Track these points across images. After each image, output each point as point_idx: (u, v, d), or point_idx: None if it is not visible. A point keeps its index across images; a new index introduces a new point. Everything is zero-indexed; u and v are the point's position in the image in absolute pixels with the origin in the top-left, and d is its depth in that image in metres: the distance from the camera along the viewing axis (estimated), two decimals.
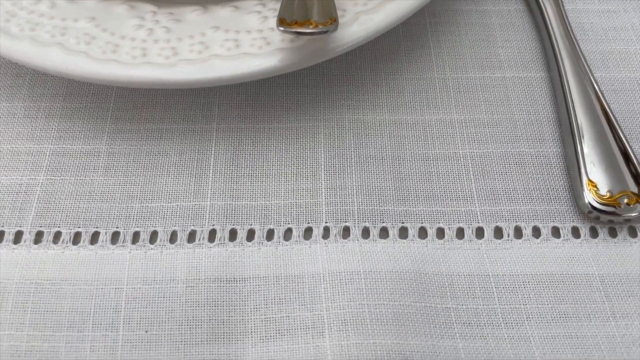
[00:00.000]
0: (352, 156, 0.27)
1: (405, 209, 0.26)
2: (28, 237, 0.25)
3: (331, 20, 0.23)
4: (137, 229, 0.25)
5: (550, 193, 0.26)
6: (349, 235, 0.25)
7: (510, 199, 0.26)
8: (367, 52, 0.30)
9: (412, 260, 0.24)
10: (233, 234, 0.25)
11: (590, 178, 0.26)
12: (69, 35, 0.26)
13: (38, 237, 0.25)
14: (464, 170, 0.27)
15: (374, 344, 0.22)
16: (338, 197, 0.26)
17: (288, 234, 0.25)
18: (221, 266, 0.24)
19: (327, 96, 0.29)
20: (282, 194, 0.26)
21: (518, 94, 0.29)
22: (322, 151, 0.27)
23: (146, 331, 0.23)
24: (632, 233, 0.25)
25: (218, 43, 0.25)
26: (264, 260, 0.24)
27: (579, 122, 0.27)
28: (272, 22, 0.26)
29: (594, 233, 0.25)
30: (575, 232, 0.25)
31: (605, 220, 0.25)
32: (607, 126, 0.27)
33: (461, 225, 0.26)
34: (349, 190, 0.26)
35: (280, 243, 0.25)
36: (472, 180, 0.27)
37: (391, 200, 0.26)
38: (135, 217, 0.25)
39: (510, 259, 0.25)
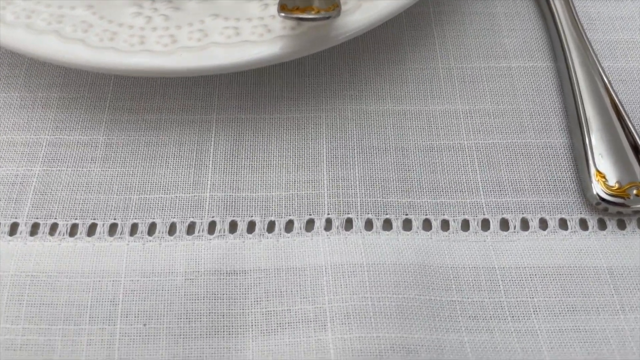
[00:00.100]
0: (355, 147, 0.27)
1: (409, 200, 0.25)
2: (24, 228, 0.24)
3: (334, 6, 0.22)
4: (135, 221, 0.25)
5: (557, 184, 0.26)
6: (351, 227, 0.25)
7: (517, 191, 0.26)
8: (370, 42, 0.30)
9: (416, 252, 0.24)
10: (233, 226, 0.25)
11: (599, 169, 0.25)
12: (65, 23, 0.25)
13: (34, 229, 0.24)
14: (469, 161, 0.26)
15: (378, 337, 0.22)
16: (340, 188, 0.26)
17: (289, 225, 0.25)
18: (221, 258, 0.24)
19: (329, 86, 0.28)
20: (283, 185, 0.26)
21: (524, 84, 0.29)
22: (324, 142, 0.27)
23: (144, 324, 0.22)
24: None
25: (218, 31, 0.25)
26: (265, 253, 0.24)
27: (586, 112, 0.27)
28: (273, 9, 0.25)
29: (602, 225, 0.25)
30: (583, 224, 0.25)
31: (613, 211, 0.25)
32: (615, 116, 0.26)
33: (466, 217, 0.25)
34: (352, 182, 0.26)
35: (282, 235, 0.24)
36: (478, 171, 0.26)
37: (395, 191, 0.26)
38: (133, 209, 0.25)
39: (517, 251, 0.24)
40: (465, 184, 0.26)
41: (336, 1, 0.23)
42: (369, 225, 0.25)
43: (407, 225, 0.25)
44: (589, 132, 0.26)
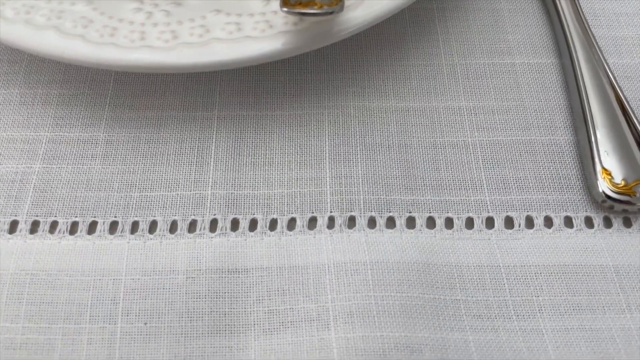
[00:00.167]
0: (358, 144, 0.26)
1: (412, 198, 0.25)
2: (24, 226, 0.24)
3: (337, 1, 0.22)
4: (136, 219, 0.24)
5: (563, 182, 0.26)
6: (354, 225, 0.24)
7: (521, 188, 0.25)
8: (373, 38, 0.30)
9: (420, 250, 0.24)
10: (235, 224, 0.24)
11: (604, 166, 0.25)
12: (65, 18, 0.25)
13: (34, 227, 0.24)
14: (473, 159, 0.26)
15: (381, 336, 0.22)
16: (343, 185, 0.25)
17: (292, 223, 0.24)
18: (223, 257, 0.23)
19: (331, 82, 0.28)
20: (286, 182, 0.25)
21: (528, 80, 0.28)
22: (327, 139, 0.26)
23: (145, 323, 0.22)
24: None
25: (219, 26, 0.25)
26: (267, 251, 0.24)
27: (591, 109, 0.26)
28: (275, 4, 0.25)
29: (607, 223, 0.25)
30: (589, 222, 0.25)
31: (619, 209, 0.25)
32: (621, 113, 0.26)
33: (471, 214, 0.25)
34: (355, 179, 0.25)
35: (284, 233, 0.24)
36: (482, 168, 0.26)
37: (398, 189, 0.25)
38: (134, 207, 0.25)
39: (522, 249, 0.24)
40: (469, 182, 0.26)
41: None
42: (372, 223, 0.24)
43: (410, 223, 0.25)
44: (595, 129, 0.26)
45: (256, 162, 0.26)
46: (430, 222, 0.25)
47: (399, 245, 0.24)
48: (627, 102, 0.26)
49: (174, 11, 0.25)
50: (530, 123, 0.27)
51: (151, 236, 0.24)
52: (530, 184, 0.26)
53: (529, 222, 0.25)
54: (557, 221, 0.25)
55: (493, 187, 0.25)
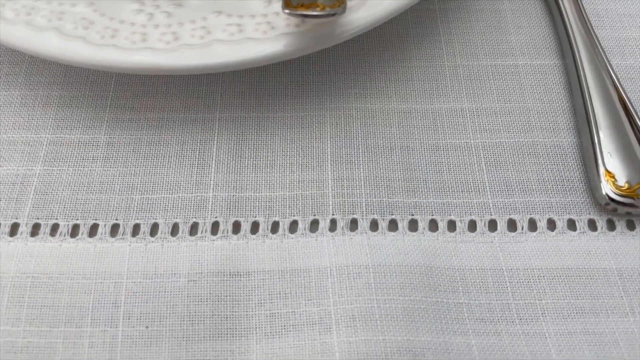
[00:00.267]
0: (360, 146, 0.26)
1: (415, 200, 0.25)
2: (24, 229, 0.24)
3: (339, 3, 0.22)
4: (137, 221, 0.24)
5: (566, 184, 0.25)
6: (356, 228, 0.24)
7: (524, 191, 0.25)
8: (375, 39, 0.29)
9: (422, 253, 0.24)
10: (237, 227, 0.24)
11: (608, 168, 0.25)
12: (66, 19, 0.25)
13: (35, 230, 0.24)
14: (475, 161, 0.26)
15: (384, 340, 0.21)
16: (345, 188, 0.25)
17: (293, 226, 0.24)
18: (224, 260, 0.23)
19: (333, 84, 0.28)
20: (287, 185, 0.25)
21: (531, 81, 0.28)
22: (329, 141, 0.26)
23: (147, 327, 0.22)
24: None
25: (220, 28, 0.24)
26: (269, 254, 0.24)
27: (595, 110, 0.26)
28: (277, 6, 0.25)
29: (611, 226, 0.25)
30: (592, 225, 0.25)
31: (623, 212, 0.24)
32: (625, 115, 0.26)
33: (473, 217, 0.25)
34: (357, 182, 0.25)
35: (286, 236, 0.24)
36: (484, 171, 0.26)
37: (400, 191, 0.25)
38: (135, 209, 0.25)
39: (525, 252, 0.24)
40: (472, 184, 0.25)
41: None
42: (374, 225, 0.24)
43: (413, 225, 0.24)
44: (598, 130, 0.26)
45: (258, 164, 0.26)
46: (433, 225, 0.24)
47: (401, 248, 0.24)
48: (631, 104, 0.26)
49: (175, 12, 0.25)
50: (533, 125, 0.27)
51: (152, 239, 0.24)
52: (533, 187, 0.25)
53: (532, 225, 0.25)
54: (560, 224, 0.24)
55: (496, 190, 0.25)
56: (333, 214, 0.25)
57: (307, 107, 0.27)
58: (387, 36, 0.30)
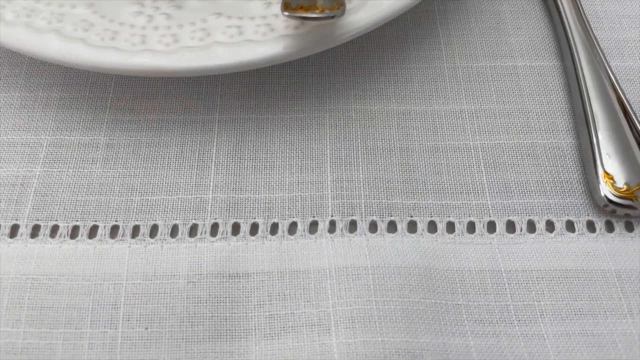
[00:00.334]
0: (359, 148, 0.26)
1: (414, 202, 0.25)
2: (24, 230, 0.24)
3: (338, 5, 0.22)
4: (137, 223, 0.24)
5: (564, 186, 0.25)
6: (355, 230, 0.24)
7: (523, 192, 0.25)
8: (375, 40, 0.30)
9: (421, 255, 0.24)
10: (236, 228, 0.24)
11: (606, 170, 0.25)
12: (66, 21, 0.25)
13: (35, 231, 0.24)
14: (474, 162, 0.26)
15: (382, 341, 0.22)
16: (344, 189, 0.25)
17: (293, 227, 0.24)
18: (224, 261, 0.23)
19: (332, 86, 0.28)
20: (287, 186, 0.25)
21: (530, 83, 0.28)
22: (328, 142, 0.26)
23: (146, 328, 0.22)
24: None
25: (220, 30, 0.24)
26: (268, 255, 0.24)
27: (594, 112, 0.26)
28: (276, 8, 0.25)
29: (609, 227, 0.25)
30: (591, 226, 0.25)
31: (621, 213, 0.24)
32: (623, 116, 0.26)
33: (472, 219, 0.25)
34: (356, 183, 0.25)
35: (285, 237, 0.24)
36: (483, 172, 0.26)
37: (399, 193, 0.25)
38: (135, 211, 0.25)
39: (523, 254, 0.24)
40: (470, 185, 0.25)
41: (340, 0, 0.23)
42: (373, 227, 0.24)
43: (412, 227, 0.24)
44: (597, 132, 0.26)
45: (257, 165, 0.26)
46: (432, 227, 0.25)
47: (400, 250, 0.24)
48: (630, 105, 0.26)
49: (175, 14, 0.25)
50: (532, 126, 0.27)
51: (152, 240, 0.24)
52: (532, 188, 0.25)
53: (531, 227, 0.25)
54: (559, 225, 0.25)
55: (495, 191, 0.25)
56: (332, 216, 0.25)
57: (306, 108, 0.27)
58: (386, 38, 0.30)
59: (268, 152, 0.26)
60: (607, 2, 0.31)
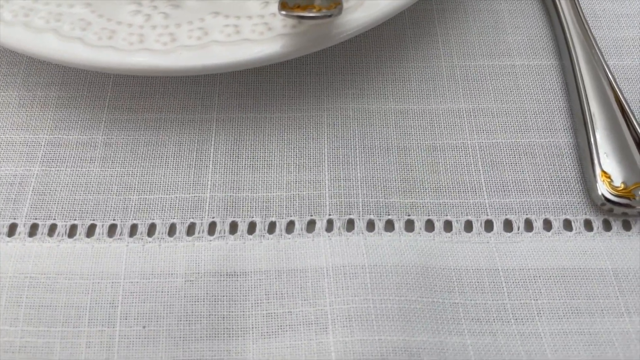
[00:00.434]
0: (357, 146, 0.26)
1: (411, 201, 0.25)
2: (22, 229, 0.24)
3: (335, 4, 0.22)
4: (134, 222, 0.24)
5: (562, 185, 0.25)
6: (353, 228, 0.24)
7: (520, 191, 0.25)
8: (372, 39, 0.30)
9: (418, 254, 0.24)
10: (234, 227, 0.24)
11: (604, 169, 0.25)
12: (64, 21, 0.25)
13: (33, 230, 0.24)
14: (472, 161, 0.26)
15: (379, 340, 0.22)
16: (342, 188, 0.25)
17: (290, 226, 0.24)
18: (221, 260, 0.23)
19: (330, 84, 0.28)
20: (284, 185, 0.25)
21: (528, 82, 0.28)
22: (326, 141, 0.26)
23: (144, 327, 0.22)
24: None
25: (218, 29, 0.24)
26: (266, 254, 0.24)
27: (591, 111, 0.26)
28: (274, 7, 0.25)
29: (607, 226, 0.25)
30: (588, 225, 0.25)
31: (619, 212, 0.24)
32: (621, 115, 0.26)
33: (469, 217, 0.25)
34: (354, 182, 0.25)
35: (282, 236, 0.24)
36: (481, 171, 0.26)
37: (397, 192, 0.25)
38: (132, 209, 0.25)
39: (521, 252, 0.24)
40: (468, 184, 0.25)
41: None
42: (370, 226, 0.24)
43: (409, 226, 0.25)
44: (594, 130, 0.26)
45: (255, 164, 0.26)
46: (429, 225, 0.25)
47: (397, 249, 0.24)
48: (627, 104, 0.26)
49: (173, 13, 0.25)
50: (530, 125, 0.27)
51: (150, 239, 0.24)
52: (530, 187, 0.25)
53: (528, 225, 0.25)
54: (557, 224, 0.25)
55: (492, 190, 0.25)
56: (330, 214, 0.25)
57: (304, 107, 0.27)
58: (384, 37, 0.30)
59: (266, 151, 0.26)
60: (605, 1, 0.31)
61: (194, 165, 0.26)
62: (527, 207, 0.25)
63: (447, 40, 0.30)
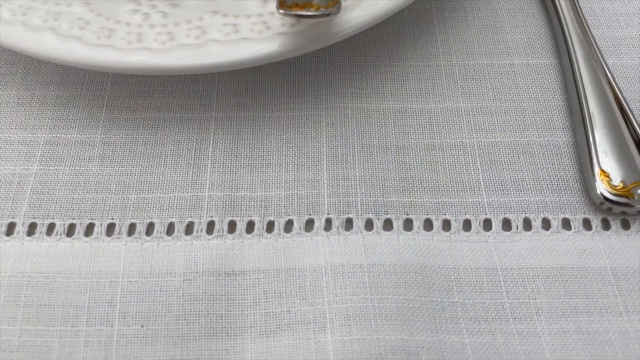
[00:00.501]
0: (355, 145, 0.26)
1: (410, 200, 0.25)
2: (21, 228, 0.24)
3: (333, 3, 0.22)
4: (133, 221, 0.24)
5: (561, 184, 0.25)
6: (351, 227, 0.24)
7: (519, 190, 0.25)
8: (371, 38, 0.30)
9: (417, 253, 0.24)
10: (232, 226, 0.24)
11: (603, 168, 0.25)
12: (62, 20, 0.25)
13: (31, 229, 0.24)
14: (471, 160, 0.26)
15: (378, 339, 0.22)
16: (340, 187, 0.25)
17: (289, 225, 0.24)
18: (220, 259, 0.23)
19: (329, 83, 0.28)
20: (283, 184, 0.25)
21: (527, 81, 0.28)
22: (324, 140, 0.26)
23: (142, 326, 0.22)
24: None
25: (216, 28, 0.24)
26: (264, 253, 0.24)
27: (590, 110, 0.26)
28: (272, 6, 0.25)
29: (606, 225, 0.25)
30: (587, 224, 0.25)
31: (617, 211, 0.24)
32: (620, 114, 0.26)
33: (468, 216, 0.25)
34: (352, 181, 0.25)
35: (281, 235, 0.24)
36: (480, 170, 0.26)
37: (395, 191, 0.25)
38: (131, 208, 0.25)
39: (519, 251, 0.24)
40: (467, 183, 0.25)
41: None
42: (369, 225, 0.24)
43: (408, 225, 0.24)
44: (593, 130, 0.26)
45: (253, 163, 0.26)
46: (428, 224, 0.25)
47: (396, 248, 0.24)
48: (626, 103, 0.26)
49: (171, 12, 0.25)
50: (529, 124, 0.27)
51: (148, 238, 0.24)
52: (528, 186, 0.25)
53: (527, 224, 0.25)
54: (555, 223, 0.25)
55: (491, 189, 0.25)
56: (328, 214, 0.25)
57: (303, 106, 0.27)
58: (383, 35, 0.30)
59: (264, 150, 0.26)
60: (605, 0, 0.31)
61: (192, 164, 0.26)
62: (525, 206, 0.25)
63: (446, 39, 0.30)
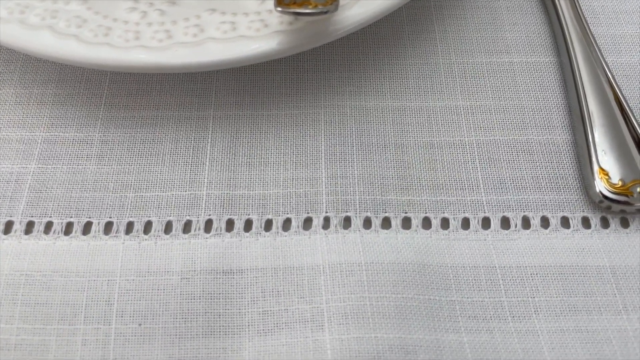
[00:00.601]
0: (354, 144, 0.26)
1: (408, 198, 0.25)
2: (18, 227, 0.24)
3: (332, 0, 0.22)
4: (130, 219, 0.24)
5: (560, 182, 0.25)
6: (350, 226, 0.24)
7: (518, 188, 0.25)
8: (370, 36, 0.29)
9: (415, 251, 0.24)
10: (230, 224, 0.24)
11: (602, 166, 0.25)
12: (59, 18, 0.25)
13: (29, 227, 0.24)
14: (469, 158, 0.26)
15: (376, 338, 0.21)
16: (339, 186, 0.25)
17: (287, 224, 0.24)
18: (218, 257, 0.23)
19: (327, 82, 0.28)
20: (281, 182, 0.25)
21: (526, 79, 0.28)
22: (323, 138, 0.26)
23: (140, 324, 0.22)
24: None
25: (214, 26, 0.24)
26: (262, 252, 0.24)
27: (589, 108, 0.26)
28: (270, 3, 0.25)
29: (605, 223, 0.24)
30: (586, 223, 0.25)
31: (617, 210, 0.24)
32: (619, 112, 0.26)
33: (467, 215, 0.25)
34: (350, 179, 0.25)
35: (279, 233, 0.24)
36: (479, 168, 0.26)
37: (394, 189, 0.25)
38: (129, 207, 0.25)
39: (518, 250, 0.24)
40: (465, 182, 0.25)
41: None
42: (367, 223, 0.24)
43: (406, 223, 0.24)
44: (592, 128, 0.26)
45: (252, 162, 0.26)
46: (426, 223, 0.24)
47: (394, 246, 0.24)
48: (626, 101, 0.26)
49: (169, 10, 0.25)
50: (528, 122, 0.27)
51: (146, 237, 0.24)
52: (527, 184, 0.25)
53: (526, 223, 0.25)
54: (554, 221, 0.24)
55: (489, 187, 0.25)
56: (326, 212, 0.25)
57: (301, 105, 0.27)
58: (381, 33, 0.30)
59: (262, 148, 0.26)
60: None
61: (190, 163, 0.26)
62: (524, 204, 0.25)
63: (444, 37, 0.30)
